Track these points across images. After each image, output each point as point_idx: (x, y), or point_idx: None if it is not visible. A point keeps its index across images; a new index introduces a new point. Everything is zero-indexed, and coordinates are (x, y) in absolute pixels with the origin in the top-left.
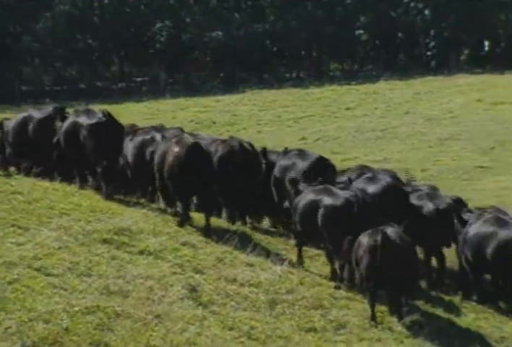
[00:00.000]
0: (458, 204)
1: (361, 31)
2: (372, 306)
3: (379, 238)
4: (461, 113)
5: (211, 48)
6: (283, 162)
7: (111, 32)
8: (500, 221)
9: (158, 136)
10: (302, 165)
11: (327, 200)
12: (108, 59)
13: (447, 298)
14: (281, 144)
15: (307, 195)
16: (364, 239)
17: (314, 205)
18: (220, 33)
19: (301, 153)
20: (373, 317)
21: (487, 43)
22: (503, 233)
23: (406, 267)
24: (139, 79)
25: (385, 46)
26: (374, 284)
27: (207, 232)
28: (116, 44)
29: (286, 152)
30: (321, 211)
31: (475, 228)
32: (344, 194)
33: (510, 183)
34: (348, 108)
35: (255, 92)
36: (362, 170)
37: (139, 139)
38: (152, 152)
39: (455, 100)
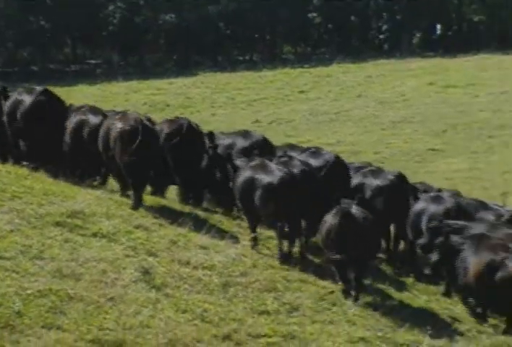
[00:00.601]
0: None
1: (315, 14)
2: (345, 284)
3: (344, 217)
4: (413, 97)
5: (164, 31)
6: (225, 141)
7: (64, 14)
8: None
9: (93, 117)
10: (243, 144)
11: (263, 178)
12: (60, 41)
13: (399, 279)
14: (235, 127)
15: (245, 172)
16: (329, 219)
17: (251, 182)
18: (173, 16)
19: (245, 133)
20: (346, 292)
21: (439, 27)
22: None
23: (370, 246)
24: (92, 61)
25: (338, 29)
26: (341, 263)
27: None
28: (68, 26)
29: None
30: (258, 189)
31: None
32: (280, 171)
33: (462, 165)
34: (301, 91)
35: (209, 74)
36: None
37: (76, 119)
38: (91, 132)
39: (407, 83)
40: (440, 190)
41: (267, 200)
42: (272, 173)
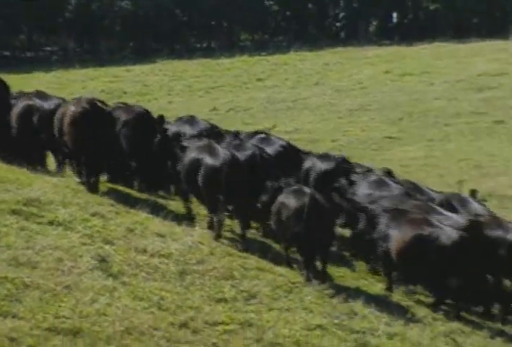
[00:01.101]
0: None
1: (272, 1)
2: (307, 268)
3: (306, 199)
4: (369, 85)
5: (121, 18)
6: (173, 128)
7: (20, 1)
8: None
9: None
10: (191, 131)
11: (208, 160)
12: (16, 27)
13: (356, 267)
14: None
15: (191, 153)
16: (290, 201)
17: (196, 163)
18: (129, 2)
19: (192, 120)
20: (308, 278)
21: (395, 15)
22: None
23: (330, 230)
24: (48, 48)
25: (295, 17)
26: (308, 248)
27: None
28: (24, 12)
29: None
30: (201, 170)
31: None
32: (225, 154)
33: (418, 153)
34: (259, 79)
35: (166, 62)
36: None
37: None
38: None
39: (364, 71)
40: (370, 169)
41: (210, 181)
42: (217, 155)
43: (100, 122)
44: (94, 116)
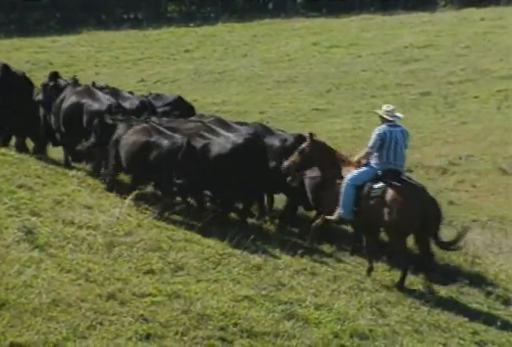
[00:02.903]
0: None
1: None
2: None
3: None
4: (297, 56)
5: None
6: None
7: None
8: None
9: None
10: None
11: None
12: None
13: (283, 239)
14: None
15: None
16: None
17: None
18: None
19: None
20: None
21: None
22: None
23: None
24: None
25: None
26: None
27: None
28: None
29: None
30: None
31: None
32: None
33: (345, 125)
34: (186, 51)
35: (92, 33)
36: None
37: None
38: None
39: (291, 43)
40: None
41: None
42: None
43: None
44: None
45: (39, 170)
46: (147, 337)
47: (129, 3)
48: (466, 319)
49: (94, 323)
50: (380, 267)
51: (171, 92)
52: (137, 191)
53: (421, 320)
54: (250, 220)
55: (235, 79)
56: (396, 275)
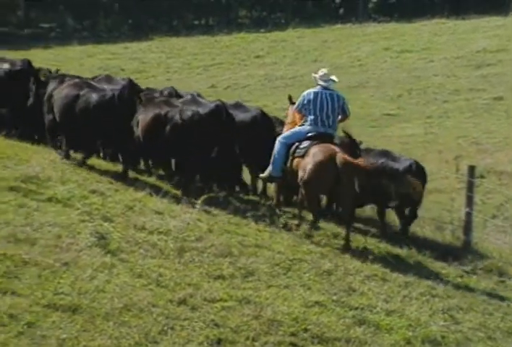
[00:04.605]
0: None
1: None
2: None
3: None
4: (368, 62)
5: None
6: None
7: None
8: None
9: None
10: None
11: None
12: (13, 4)
13: (352, 244)
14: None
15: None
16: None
17: None
18: None
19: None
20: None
21: None
22: None
23: None
24: (46, 25)
25: None
26: None
27: None
28: None
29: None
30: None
31: None
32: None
33: (417, 130)
34: (257, 56)
35: (164, 39)
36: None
37: None
38: None
39: (363, 48)
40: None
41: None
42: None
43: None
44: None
45: (111, 176)
46: (218, 342)
47: (200, 9)
48: None
49: (165, 328)
50: (451, 272)
51: (242, 98)
52: (206, 196)
53: (495, 327)
54: (321, 225)
55: (305, 85)
56: (468, 280)
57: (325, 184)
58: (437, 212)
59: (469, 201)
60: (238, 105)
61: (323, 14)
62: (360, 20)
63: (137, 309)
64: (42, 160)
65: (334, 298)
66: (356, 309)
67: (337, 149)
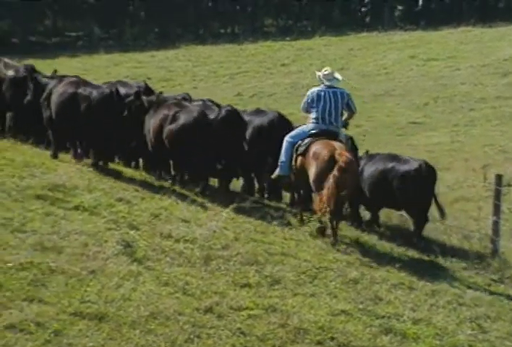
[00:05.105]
0: None
1: None
2: None
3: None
4: (394, 70)
5: (145, 3)
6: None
7: None
8: None
9: None
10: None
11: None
12: (40, 13)
13: (380, 252)
14: (216, 100)
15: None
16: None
17: None
18: None
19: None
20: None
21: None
22: None
23: None
24: (73, 33)
25: (319, 2)
26: None
27: None
28: None
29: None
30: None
31: None
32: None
33: (443, 138)
34: (283, 64)
35: (190, 47)
36: None
37: None
38: None
39: (389, 56)
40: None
41: None
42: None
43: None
44: None
45: (137, 184)
46: None
47: (225, 17)
48: None
49: (192, 336)
50: (479, 281)
51: (267, 106)
52: (234, 205)
53: None
54: (346, 233)
55: None
56: (495, 289)
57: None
58: (464, 221)
59: (496, 209)
60: (259, 111)
61: (349, 22)
62: (386, 28)
63: (163, 317)
64: (69, 168)
65: (360, 306)
66: (383, 317)
67: (336, 145)
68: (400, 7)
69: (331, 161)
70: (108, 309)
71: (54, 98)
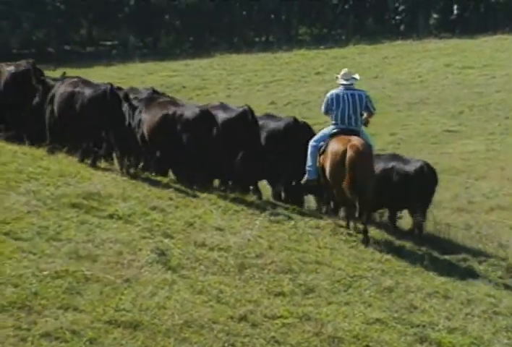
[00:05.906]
0: None
1: None
2: None
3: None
4: (429, 78)
5: (180, 12)
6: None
7: None
8: None
9: None
10: None
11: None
12: (76, 22)
13: (415, 262)
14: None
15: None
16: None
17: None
18: None
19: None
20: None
21: (455, 7)
22: None
23: None
24: (108, 43)
25: (354, 10)
26: None
27: None
28: (84, 7)
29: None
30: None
31: None
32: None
33: (477, 146)
34: (317, 73)
35: (224, 56)
36: None
37: None
38: None
39: (423, 64)
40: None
41: None
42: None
43: None
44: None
45: (171, 193)
46: None
47: (260, 26)
48: None
49: (226, 345)
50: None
51: (301, 115)
52: (267, 213)
53: None
54: (381, 239)
55: None
56: None
57: (341, 174)
58: (500, 230)
59: None
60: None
61: (384, 31)
62: (421, 36)
63: (197, 325)
64: (103, 177)
65: (395, 315)
66: (418, 326)
67: (352, 137)
68: (435, 15)
69: (344, 155)
70: (142, 317)
71: (56, 99)
